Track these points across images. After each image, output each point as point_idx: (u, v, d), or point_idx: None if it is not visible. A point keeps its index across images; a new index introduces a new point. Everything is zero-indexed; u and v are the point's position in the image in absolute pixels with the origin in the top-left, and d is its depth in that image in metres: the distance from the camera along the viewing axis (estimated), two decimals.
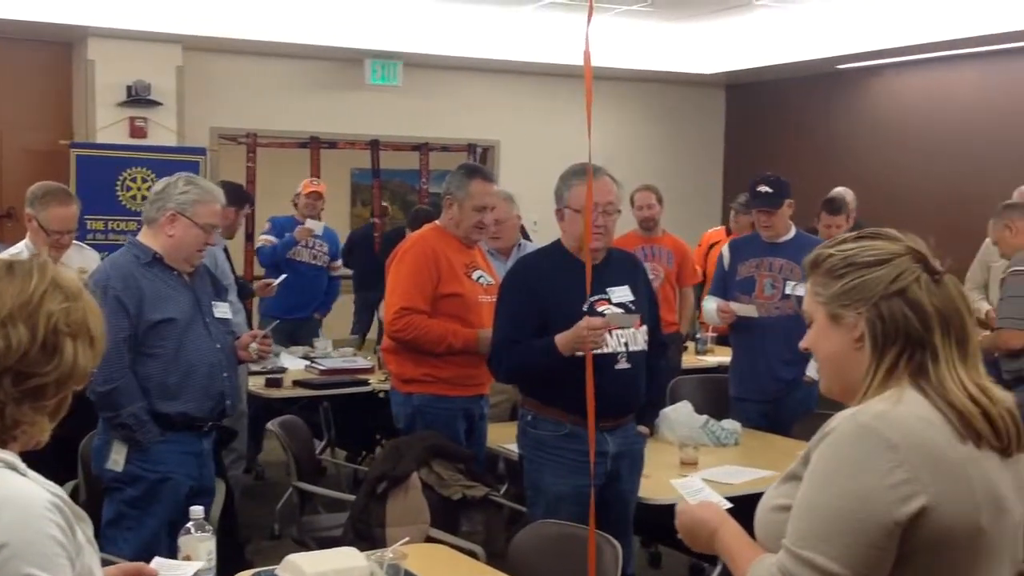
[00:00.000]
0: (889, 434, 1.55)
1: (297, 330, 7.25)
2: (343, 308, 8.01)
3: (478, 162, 9.70)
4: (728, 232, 7.73)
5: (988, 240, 6.45)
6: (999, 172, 8.62)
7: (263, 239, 7.39)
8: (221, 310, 3.83)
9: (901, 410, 1.59)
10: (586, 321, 3.50)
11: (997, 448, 1.61)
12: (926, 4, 8.49)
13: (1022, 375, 4.71)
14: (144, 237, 3.75)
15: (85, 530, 1.54)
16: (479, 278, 4.53)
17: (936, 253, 1.70)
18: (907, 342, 1.64)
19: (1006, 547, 1.62)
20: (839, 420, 1.62)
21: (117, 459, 3.61)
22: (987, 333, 4.73)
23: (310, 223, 7.36)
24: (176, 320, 3.64)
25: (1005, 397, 1.65)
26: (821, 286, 1.72)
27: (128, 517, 3.64)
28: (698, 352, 7.05)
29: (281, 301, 6.95)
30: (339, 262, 7.71)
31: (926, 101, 9.71)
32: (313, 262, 7.42)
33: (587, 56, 2.47)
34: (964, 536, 1.55)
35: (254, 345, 3.95)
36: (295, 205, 7.55)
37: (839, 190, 7.36)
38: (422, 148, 10.27)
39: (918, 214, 8.71)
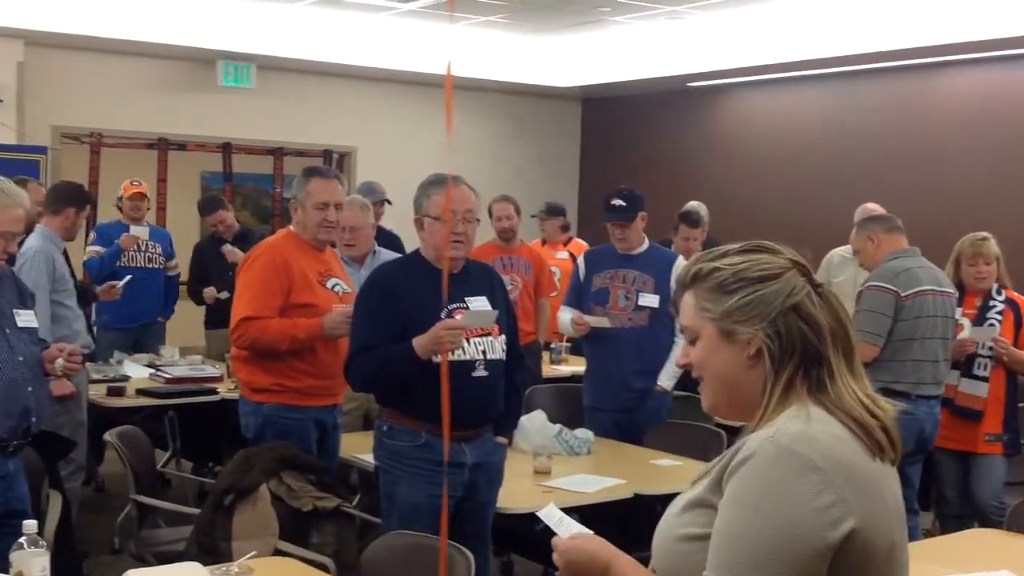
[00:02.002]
0: (811, 455, 1.52)
1: (142, 336, 7.03)
2: (193, 315, 7.78)
3: (334, 168, 9.58)
4: (543, 243, 7.88)
5: (828, 256, 6.71)
6: (838, 190, 8.99)
7: (91, 251, 7.06)
8: (25, 318, 3.56)
9: (816, 429, 1.56)
10: (443, 322, 3.50)
11: (892, 458, 1.61)
12: (771, 26, 8.78)
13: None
14: None
15: None
16: (334, 286, 4.45)
17: (812, 266, 1.70)
18: (803, 357, 1.61)
19: (906, 556, 1.63)
20: (756, 443, 1.56)
21: None
22: None
23: (135, 230, 7.08)
24: None
25: (890, 407, 1.65)
26: (710, 301, 1.67)
27: None
28: (552, 361, 7.10)
29: (122, 308, 6.72)
30: (175, 261, 7.46)
31: (770, 120, 10.04)
32: (149, 265, 7.17)
33: (448, 68, 2.45)
34: (883, 552, 1.55)
35: (60, 361, 3.69)
36: (119, 209, 7.29)
37: (694, 204, 7.55)
38: (276, 152, 10.09)
39: (765, 231, 8.95)
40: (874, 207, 6.55)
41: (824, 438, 1.54)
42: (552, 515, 1.99)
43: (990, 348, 5.03)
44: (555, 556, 1.79)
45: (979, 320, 5.10)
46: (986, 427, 5.04)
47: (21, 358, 3.49)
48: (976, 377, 5.06)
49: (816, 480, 1.50)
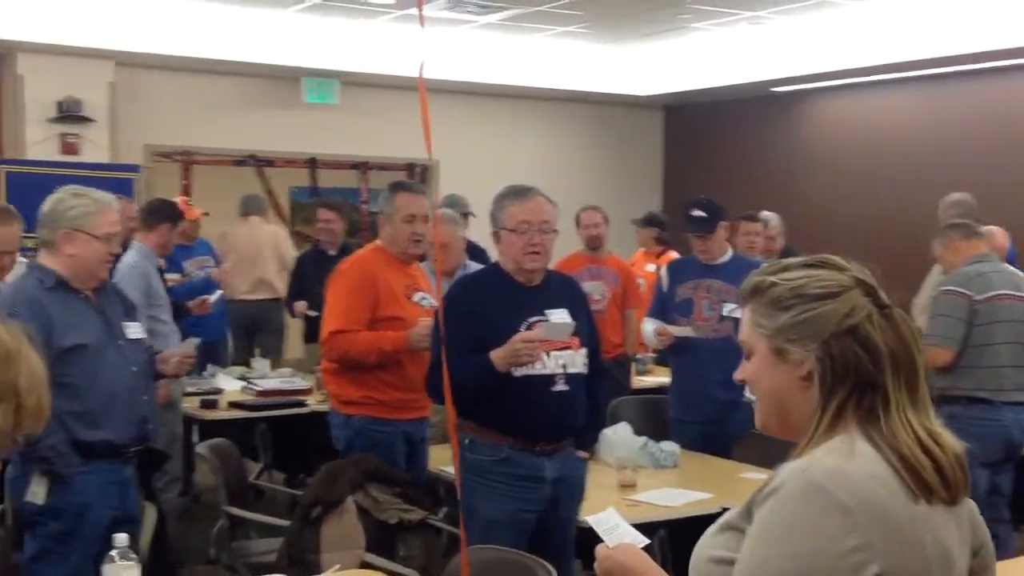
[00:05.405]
0: (842, 496, 1.44)
1: (210, 352, 6.95)
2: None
3: (417, 181, 9.67)
4: (643, 252, 7.83)
5: (938, 266, 6.55)
6: (931, 196, 8.76)
7: (172, 278, 6.68)
8: (133, 330, 3.70)
9: (854, 467, 1.47)
10: (520, 334, 3.50)
11: (945, 500, 1.52)
12: (856, 29, 8.64)
13: (947, 394, 4.76)
14: (45, 260, 3.55)
15: None
16: (421, 300, 4.50)
17: (883, 284, 1.60)
18: (857, 384, 1.51)
19: None
20: (787, 475, 1.49)
21: (37, 491, 3.44)
22: None
23: (213, 297, 7.08)
24: (88, 346, 3.48)
25: (954, 444, 1.55)
26: (764, 317, 1.59)
27: (53, 552, 3.49)
28: (638, 373, 7.06)
29: (190, 329, 6.68)
30: (217, 269, 7.39)
31: (856, 125, 9.87)
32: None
33: (421, 70, 2.53)
34: None
35: (175, 359, 3.86)
36: None
37: (765, 214, 7.46)
38: (361, 167, 10.22)
39: (852, 239, 8.84)
40: (961, 197, 6.39)
41: (859, 477, 1.46)
42: (606, 521, 1.97)
43: None
44: (595, 564, 1.78)
45: None
46: None
47: (135, 368, 3.63)
48: None
49: (842, 523, 1.42)
